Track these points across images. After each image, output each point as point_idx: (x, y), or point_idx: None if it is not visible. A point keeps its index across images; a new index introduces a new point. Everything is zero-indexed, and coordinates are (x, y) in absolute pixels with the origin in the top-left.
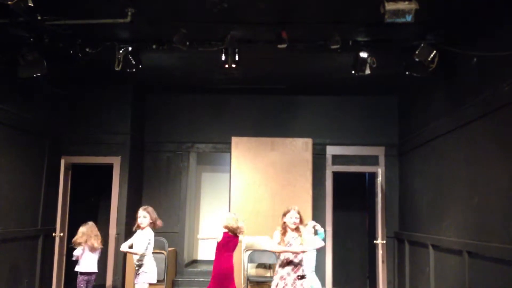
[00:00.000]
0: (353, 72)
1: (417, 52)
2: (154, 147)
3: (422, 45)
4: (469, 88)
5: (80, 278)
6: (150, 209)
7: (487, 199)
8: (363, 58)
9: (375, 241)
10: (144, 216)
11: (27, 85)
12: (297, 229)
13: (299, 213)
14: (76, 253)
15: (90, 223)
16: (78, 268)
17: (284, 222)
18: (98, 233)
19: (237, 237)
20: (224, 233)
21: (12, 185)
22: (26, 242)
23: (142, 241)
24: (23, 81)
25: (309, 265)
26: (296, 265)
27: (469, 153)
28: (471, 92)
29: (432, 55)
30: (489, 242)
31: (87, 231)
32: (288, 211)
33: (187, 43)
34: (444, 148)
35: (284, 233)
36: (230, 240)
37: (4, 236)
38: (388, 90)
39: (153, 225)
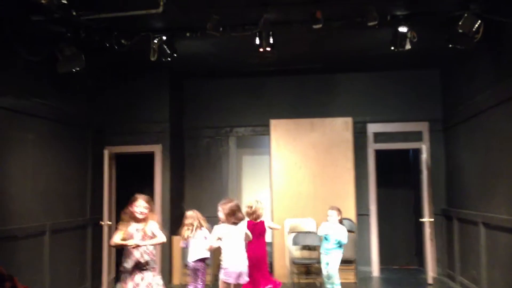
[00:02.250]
0: (392, 48)
1: (460, 23)
2: (194, 133)
3: (466, 15)
4: None
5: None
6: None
7: None
8: (402, 33)
9: (421, 219)
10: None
11: (67, 79)
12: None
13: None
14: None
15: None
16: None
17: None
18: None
19: (260, 222)
20: (248, 221)
21: (59, 178)
22: (75, 232)
23: None
24: (63, 76)
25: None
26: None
27: None
28: None
29: (476, 25)
30: None
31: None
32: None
33: (220, 29)
34: (492, 122)
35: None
36: (254, 226)
37: (54, 227)
38: (430, 63)
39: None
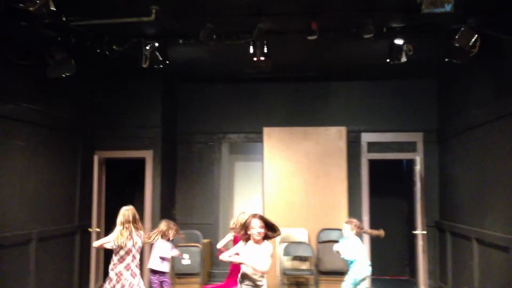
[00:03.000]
0: (388, 60)
1: (457, 37)
2: (186, 139)
3: (463, 29)
4: None
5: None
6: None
7: None
8: (398, 46)
9: (413, 232)
10: None
11: (57, 84)
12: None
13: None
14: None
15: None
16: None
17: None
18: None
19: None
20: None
21: (48, 184)
22: (64, 239)
23: None
24: (54, 81)
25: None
26: None
27: None
28: None
29: (473, 40)
30: None
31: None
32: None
33: (214, 37)
34: (488, 137)
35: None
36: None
37: (41, 235)
38: (427, 73)
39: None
